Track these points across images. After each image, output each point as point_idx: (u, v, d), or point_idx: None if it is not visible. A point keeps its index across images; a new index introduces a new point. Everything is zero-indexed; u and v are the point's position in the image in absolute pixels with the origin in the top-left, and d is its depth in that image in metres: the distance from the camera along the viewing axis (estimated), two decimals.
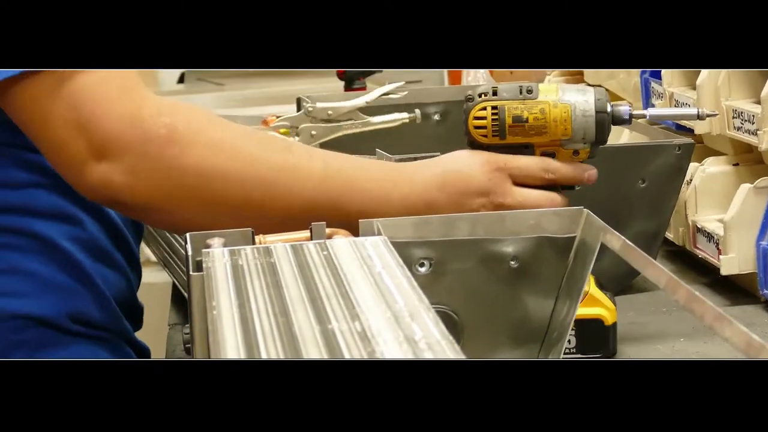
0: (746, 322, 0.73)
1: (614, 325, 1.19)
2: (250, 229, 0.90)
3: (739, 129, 1.34)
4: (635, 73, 1.62)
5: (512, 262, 0.96)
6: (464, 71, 2.04)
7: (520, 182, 1.13)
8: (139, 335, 1.32)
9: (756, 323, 1.27)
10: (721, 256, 1.33)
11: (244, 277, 0.79)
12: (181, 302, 1.46)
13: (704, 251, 1.38)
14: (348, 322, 0.71)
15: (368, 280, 0.78)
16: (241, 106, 2.49)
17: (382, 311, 0.72)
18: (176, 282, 1.45)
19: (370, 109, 1.46)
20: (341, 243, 0.86)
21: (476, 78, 1.98)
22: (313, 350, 0.67)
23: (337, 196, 1.09)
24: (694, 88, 1.41)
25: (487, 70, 1.94)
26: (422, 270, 0.95)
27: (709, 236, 1.36)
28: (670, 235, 1.45)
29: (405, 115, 1.45)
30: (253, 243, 0.90)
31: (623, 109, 1.16)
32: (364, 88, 1.97)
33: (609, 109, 1.14)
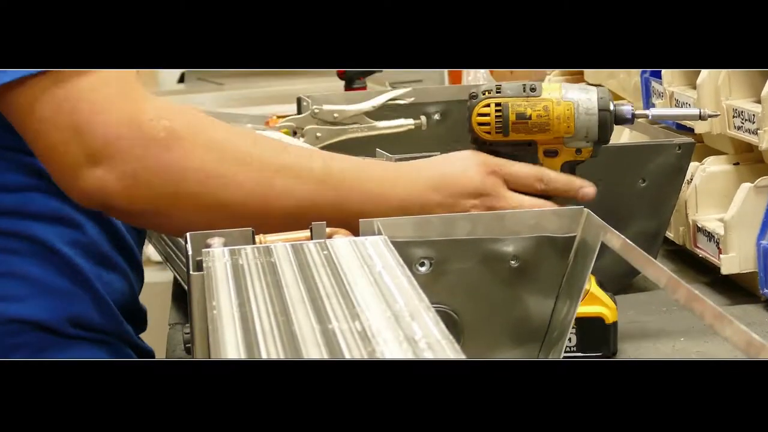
0: (746, 322, 0.73)
1: (615, 323, 1.19)
2: (250, 228, 0.90)
3: (739, 128, 1.34)
4: (635, 72, 1.62)
5: (512, 262, 0.96)
6: (464, 71, 2.04)
7: (512, 188, 1.13)
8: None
9: (756, 322, 1.27)
10: (721, 256, 1.33)
11: (245, 277, 0.79)
12: (181, 301, 1.46)
13: (704, 250, 1.38)
14: (348, 321, 0.71)
15: (368, 280, 0.78)
16: (241, 106, 2.49)
17: (382, 311, 0.72)
18: (179, 277, 1.45)
19: (374, 111, 1.47)
20: (341, 242, 0.86)
21: (476, 78, 1.98)
22: (313, 350, 0.67)
23: (337, 197, 1.09)
24: (694, 87, 1.41)
25: (487, 70, 1.94)
26: (422, 269, 0.95)
27: (710, 235, 1.36)
28: (670, 235, 1.45)
29: (411, 121, 1.46)
30: (254, 242, 0.90)
31: (626, 108, 1.16)
32: (364, 88, 1.96)
33: (612, 107, 1.14)
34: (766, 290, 1.29)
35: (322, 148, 1.46)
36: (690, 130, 1.46)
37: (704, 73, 1.38)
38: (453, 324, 0.96)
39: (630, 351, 1.21)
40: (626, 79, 1.67)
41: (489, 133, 1.15)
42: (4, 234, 1.16)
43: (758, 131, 1.30)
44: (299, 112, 1.54)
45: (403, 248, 0.91)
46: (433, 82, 2.38)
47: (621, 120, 1.16)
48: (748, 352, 0.70)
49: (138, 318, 1.32)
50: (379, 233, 0.90)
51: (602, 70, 1.74)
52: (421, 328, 0.69)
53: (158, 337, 1.40)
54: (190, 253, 0.86)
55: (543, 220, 0.96)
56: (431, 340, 0.67)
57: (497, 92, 1.15)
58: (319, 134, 1.48)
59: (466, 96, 1.20)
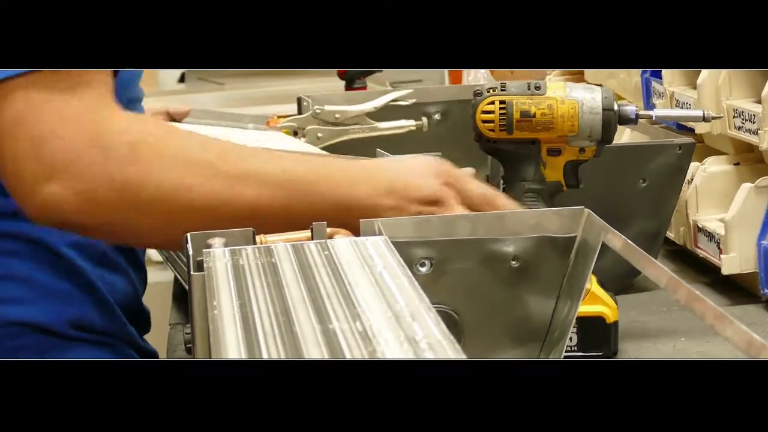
0: (747, 322, 0.73)
1: (616, 323, 1.19)
2: (251, 229, 0.91)
3: (739, 128, 1.34)
4: (636, 72, 1.62)
5: (513, 262, 0.96)
6: (465, 71, 2.04)
7: (464, 203, 1.11)
8: None
9: (757, 323, 1.27)
10: (722, 256, 1.33)
11: (245, 277, 0.79)
12: (182, 301, 1.46)
13: (705, 251, 1.38)
14: (349, 321, 0.71)
15: (369, 280, 0.78)
16: (241, 106, 2.49)
17: (383, 311, 0.72)
18: (179, 277, 1.45)
19: (375, 112, 1.47)
20: (342, 243, 0.86)
21: (477, 78, 1.98)
22: (314, 350, 0.67)
23: (298, 200, 1.08)
24: (694, 87, 1.41)
25: (487, 70, 1.94)
26: (423, 270, 0.95)
27: (710, 236, 1.36)
28: (671, 235, 1.45)
29: (412, 122, 1.46)
30: (254, 243, 0.90)
31: (629, 108, 1.17)
32: (364, 88, 1.97)
33: (616, 107, 1.15)
34: (766, 290, 1.29)
35: (323, 148, 1.46)
36: (690, 130, 1.46)
37: (704, 73, 1.38)
38: (454, 324, 0.96)
39: (631, 351, 1.21)
40: (626, 79, 1.67)
41: (493, 130, 1.16)
42: (5, 236, 1.16)
43: (759, 131, 1.30)
44: (300, 112, 1.54)
45: (403, 248, 0.91)
46: (433, 82, 2.38)
47: (625, 120, 1.17)
48: (749, 352, 0.70)
49: (141, 319, 1.32)
50: (380, 233, 0.90)
51: (602, 70, 1.74)
52: (422, 329, 0.69)
53: (159, 338, 1.40)
54: (190, 253, 0.86)
55: (544, 220, 0.96)
56: (432, 341, 0.67)
57: (502, 90, 1.16)
58: (320, 135, 1.48)
59: (467, 96, 1.21)
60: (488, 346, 0.98)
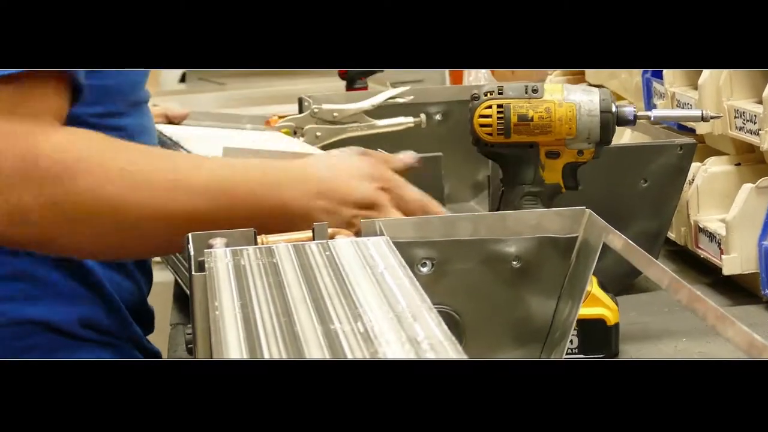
0: (748, 323, 0.73)
1: (616, 325, 1.19)
2: (252, 229, 0.91)
3: (741, 129, 1.34)
4: (637, 72, 1.62)
5: (514, 262, 0.96)
6: (466, 71, 2.04)
7: (398, 208, 1.12)
8: None
9: (758, 323, 1.27)
10: (723, 256, 1.33)
11: (247, 277, 0.79)
12: (183, 302, 1.46)
13: (706, 251, 1.38)
14: (350, 322, 0.71)
15: (370, 281, 0.78)
16: (242, 106, 2.49)
17: (384, 312, 0.72)
18: (179, 280, 1.45)
19: (374, 111, 1.46)
20: (343, 243, 0.86)
21: (477, 78, 1.98)
22: (315, 351, 0.67)
23: (225, 205, 1.08)
24: (695, 88, 1.41)
25: (488, 70, 1.94)
26: (424, 270, 0.95)
27: (711, 236, 1.36)
28: (672, 235, 1.45)
29: (410, 119, 1.45)
30: (255, 243, 0.90)
31: (628, 109, 1.16)
32: (365, 88, 1.97)
33: (614, 109, 1.15)
34: (767, 291, 1.29)
35: (322, 147, 1.46)
36: (691, 131, 1.46)
37: (706, 73, 1.38)
38: (455, 324, 0.96)
39: (632, 352, 1.21)
40: (627, 80, 1.67)
41: (491, 134, 1.16)
42: None
43: (759, 132, 1.30)
44: (301, 112, 1.54)
45: (404, 249, 0.91)
46: (434, 83, 2.38)
47: (623, 121, 1.16)
48: (750, 353, 0.70)
49: (146, 320, 1.32)
50: (381, 234, 0.90)
51: (603, 71, 1.74)
52: (424, 329, 0.69)
53: (160, 338, 1.40)
54: (192, 253, 0.86)
55: (545, 221, 0.96)
56: (434, 341, 0.67)
57: (499, 94, 1.15)
58: (318, 133, 1.48)
59: (468, 96, 1.20)
60: (489, 346, 0.98)
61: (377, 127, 1.45)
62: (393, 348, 0.67)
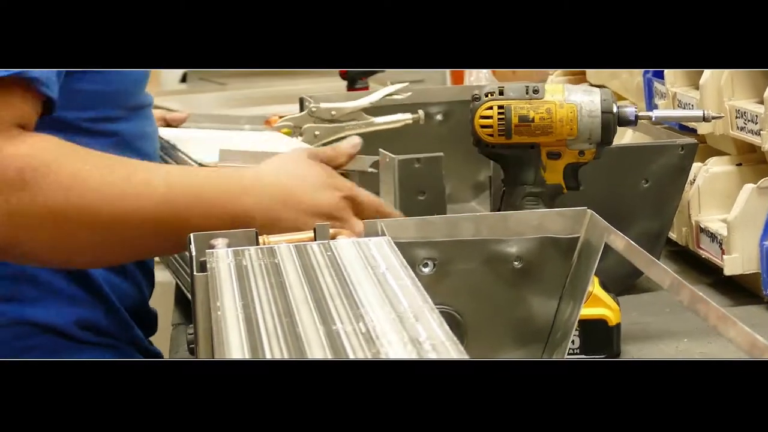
0: (750, 323, 0.73)
1: (618, 325, 1.18)
2: (254, 229, 0.91)
3: (742, 129, 1.34)
4: (638, 73, 1.61)
5: (516, 263, 0.96)
6: (467, 71, 2.04)
7: (357, 214, 1.14)
8: None
9: (759, 324, 1.27)
10: (724, 256, 1.33)
11: (248, 278, 0.79)
12: (184, 302, 1.45)
13: (707, 251, 1.38)
14: (352, 323, 0.71)
15: (372, 281, 0.78)
16: (243, 106, 2.49)
17: (386, 312, 0.72)
18: (180, 284, 1.45)
19: (374, 110, 1.46)
20: (345, 243, 0.86)
21: (479, 78, 1.98)
22: (317, 351, 0.67)
23: (182, 212, 1.08)
24: (697, 88, 1.41)
25: (489, 70, 1.94)
26: (426, 270, 0.95)
27: (713, 236, 1.36)
28: (673, 236, 1.45)
29: (408, 115, 1.45)
30: (257, 243, 0.89)
31: (629, 110, 1.16)
32: (366, 88, 1.97)
33: (615, 109, 1.14)
34: None
35: (321, 146, 1.46)
36: (693, 131, 1.46)
37: (707, 73, 1.38)
38: (456, 325, 0.96)
39: (633, 352, 1.21)
40: (629, 80, 1.67)
41: (492, 135, 1.15)
42: None
43: (761, 132, 1.30)
44: (302, 112, 1.54)
45: (406, 249, 0.91)
46: (435, 83, 2.38)
47: (624, 122, 1.16)
48: (752, 353, 0.70)
49: (147, 322, 1.32)
50: (383, 234, 0.90)
51: (604, 71, 1.74)
52: (426, 330, 0.69)
53: (161, 337, 1.40)
54: (193, 253, 0.86)
55: (546, 221, 0.96)
56: (436, 342, 0.67)
57: (500, 95, 1.15)
58: (317, 132, 1.47)
59: (469, 96, 1.20)
60: (491, 346, 0.98)
61: (375, 125, 1.45)
62: (395, 348, 0.67)
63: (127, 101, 1.23)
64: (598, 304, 1.18)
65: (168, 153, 1.40)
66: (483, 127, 1.16)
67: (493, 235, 0.95)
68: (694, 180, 1.41)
